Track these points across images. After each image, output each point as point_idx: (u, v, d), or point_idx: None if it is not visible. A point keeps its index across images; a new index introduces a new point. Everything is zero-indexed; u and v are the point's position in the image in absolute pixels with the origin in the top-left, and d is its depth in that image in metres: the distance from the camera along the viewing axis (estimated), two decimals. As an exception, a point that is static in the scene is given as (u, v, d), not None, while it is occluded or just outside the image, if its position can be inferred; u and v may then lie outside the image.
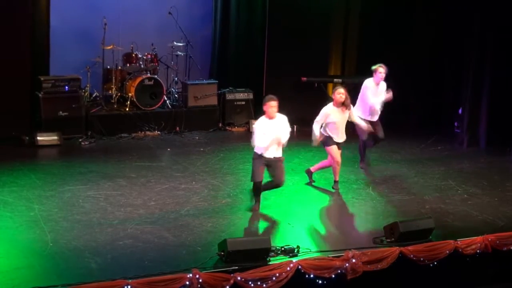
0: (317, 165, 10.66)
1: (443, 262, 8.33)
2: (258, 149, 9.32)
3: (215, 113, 14.15)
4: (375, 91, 11.23)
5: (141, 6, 14.31)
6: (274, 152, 9.32)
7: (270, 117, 9.32)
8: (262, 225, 9.16)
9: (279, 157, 9.38)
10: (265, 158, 9.30)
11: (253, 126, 9.48)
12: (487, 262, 8.63)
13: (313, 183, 10.59)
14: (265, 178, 9.52)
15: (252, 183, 9.41)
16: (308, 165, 10.88)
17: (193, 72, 14.41)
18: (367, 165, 11.53)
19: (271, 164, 9.36)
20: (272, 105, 9.29)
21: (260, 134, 9.26)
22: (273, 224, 9.28)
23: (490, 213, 9.68)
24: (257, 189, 9.45)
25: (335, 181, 10.42)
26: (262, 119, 9.39)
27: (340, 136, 10.24)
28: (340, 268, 7.81)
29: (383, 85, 11.32)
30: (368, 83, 11.24)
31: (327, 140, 10.24)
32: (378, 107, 11.27)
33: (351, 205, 10.08)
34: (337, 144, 10.25)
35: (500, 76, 13.09)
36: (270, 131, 9.26)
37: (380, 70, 11.17)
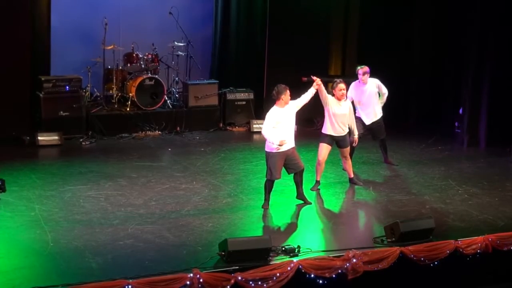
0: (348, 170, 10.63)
1: (444, 262, 8.34)
2: (274, 147, 9.33)
3: (216, 113, 14.15)
4: (359, 94, 11.08)
5: (141, 6, 14.31)
6: (290, 142, 9.43)
7: (284, 105, 9.41)
8: (262, 225, 9.17)
9: (293, 146, 9.51)
10: (283, 152, 9.37)
11: (267, 115, 9.42)
12: (488, 262, 8.63)
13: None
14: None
15: (252, 184, 9.43)
16: (307, 165, 10.84)
17: (193, 72, 14.41)
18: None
19: (289, 155, 9.44)
20: (288, 94, 9.46)
21: (273, 124, 9.29)
22: (273, 224, 9.29)
23: (490, 213, 9.68)
24: (271, 187, 9.51)
25: (316, 181, 10.38)
26: (275, 109, 9.42)
27: (337, 130, 10.21)
28: (341, 268, 7.81)
29: (371, 84, 11.12)
30: (351, 86, 11.11)
31: (322, 136, 10.28)
32: (366, 110, 11.14)
33: (352, 205, 10.09)
34: (334, 138, 10.22)
35: (500, 76, 13.08)
36: (285, 120, 9.36)
37: (359, 72, 11.02)
